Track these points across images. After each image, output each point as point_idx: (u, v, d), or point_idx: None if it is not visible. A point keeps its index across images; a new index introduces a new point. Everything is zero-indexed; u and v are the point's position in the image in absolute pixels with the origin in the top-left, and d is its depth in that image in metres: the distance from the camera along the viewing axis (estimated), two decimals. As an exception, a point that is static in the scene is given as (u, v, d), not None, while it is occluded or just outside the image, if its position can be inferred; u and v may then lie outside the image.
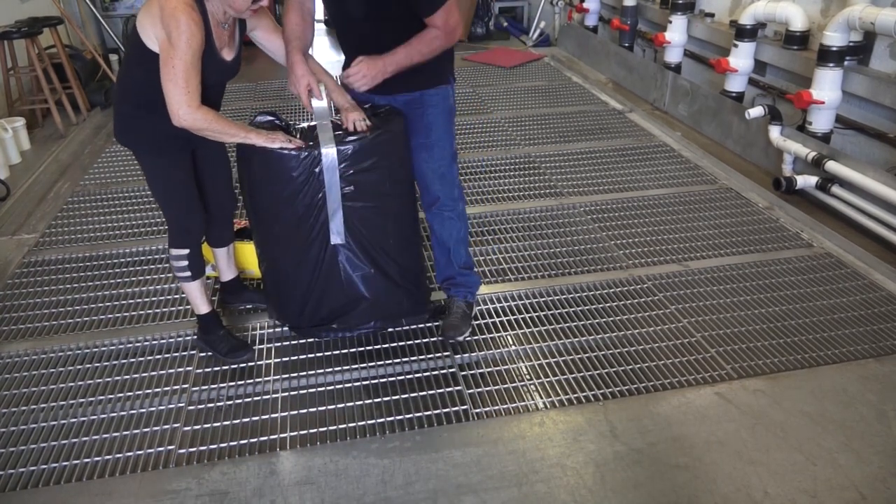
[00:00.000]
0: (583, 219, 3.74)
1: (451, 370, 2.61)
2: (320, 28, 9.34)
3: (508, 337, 2.80)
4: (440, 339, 2.76)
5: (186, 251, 2.57)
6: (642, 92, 5.93)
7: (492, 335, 2.80)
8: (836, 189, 3.76)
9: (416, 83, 2.53)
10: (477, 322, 2.88)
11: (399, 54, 2.35)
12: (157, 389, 2.53)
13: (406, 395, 2.48)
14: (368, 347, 2.73)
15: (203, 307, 2.70)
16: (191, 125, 2.21)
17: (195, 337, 2.79)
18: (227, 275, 2.96)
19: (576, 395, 2.46)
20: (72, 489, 2.12)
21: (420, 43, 2.36)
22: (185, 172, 2.51)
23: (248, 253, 3.03)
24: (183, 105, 2.16)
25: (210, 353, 2.71)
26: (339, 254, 2.64)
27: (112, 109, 2.56)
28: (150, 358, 2.70)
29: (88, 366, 2.66)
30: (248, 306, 3.01)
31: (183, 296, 3.09)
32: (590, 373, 2.57)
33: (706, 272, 3.22)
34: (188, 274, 2.62)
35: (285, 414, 2.41)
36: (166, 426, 2.36)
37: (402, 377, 2.58)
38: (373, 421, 2.36)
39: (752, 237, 3.54)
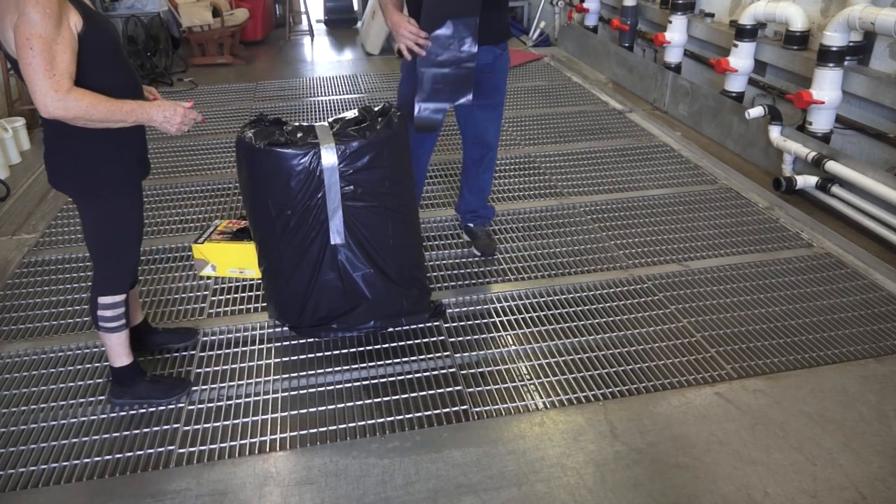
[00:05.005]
0: (583, 219, 3.74)
1: (450, 370, 2.61)
2: (320, 28, 9.34)
3: (508, 337, 2.80)
4: (440, 339, 2.77)
5: (124, 296, 2.28)
6: (642, 92, 5.93)
7: (492, 335, 2.80)
8: (836, 189, 3.76)
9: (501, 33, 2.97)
10: (477, 322, 2.88)
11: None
12: (157, 389, 2.53)
13: (406, 395, 2.48)
14: (368, 347, 2.73)
15: (128, 357, 2.36)
16: (63, 115, 1.85)
17: (112, 398, 2.40)
18: (139, 316, 2.62)
19: (576, 395, 2.46)
20: (72, 489, 2.12)
21: None
22: (142, 207, 2.26)
23: (248, 253, 3.03)
24: (49, 92, 1.79)
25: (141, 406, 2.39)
26: (338, 253, 2.64)
27: (45, 153, 2.10)
28: (149, 358, 2.70)
29: (88, 366, 2.66)
30: (172, 346, 2.71)
31: (185, 294, 3.09)
32: (590, 373, 2.57)
33: (706, 272, 3.22)
34: (123, 322, 2.30)
35: (285, 414, 2.41)
36: (166, 426, 2.36)
37: (402, 377, 2.57)
38: (373, 421, 2.36)
39: (752, 237, 3.54)
